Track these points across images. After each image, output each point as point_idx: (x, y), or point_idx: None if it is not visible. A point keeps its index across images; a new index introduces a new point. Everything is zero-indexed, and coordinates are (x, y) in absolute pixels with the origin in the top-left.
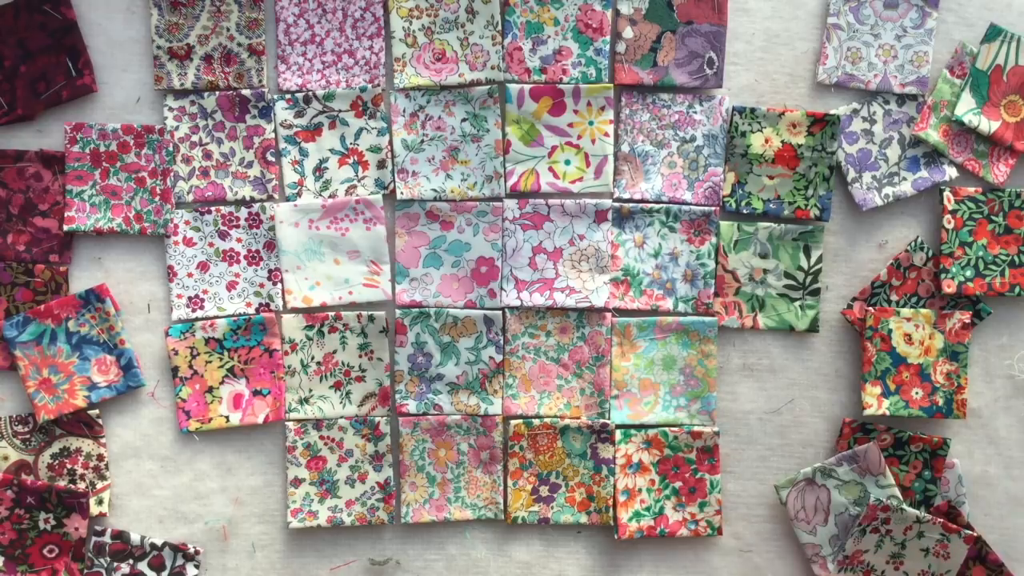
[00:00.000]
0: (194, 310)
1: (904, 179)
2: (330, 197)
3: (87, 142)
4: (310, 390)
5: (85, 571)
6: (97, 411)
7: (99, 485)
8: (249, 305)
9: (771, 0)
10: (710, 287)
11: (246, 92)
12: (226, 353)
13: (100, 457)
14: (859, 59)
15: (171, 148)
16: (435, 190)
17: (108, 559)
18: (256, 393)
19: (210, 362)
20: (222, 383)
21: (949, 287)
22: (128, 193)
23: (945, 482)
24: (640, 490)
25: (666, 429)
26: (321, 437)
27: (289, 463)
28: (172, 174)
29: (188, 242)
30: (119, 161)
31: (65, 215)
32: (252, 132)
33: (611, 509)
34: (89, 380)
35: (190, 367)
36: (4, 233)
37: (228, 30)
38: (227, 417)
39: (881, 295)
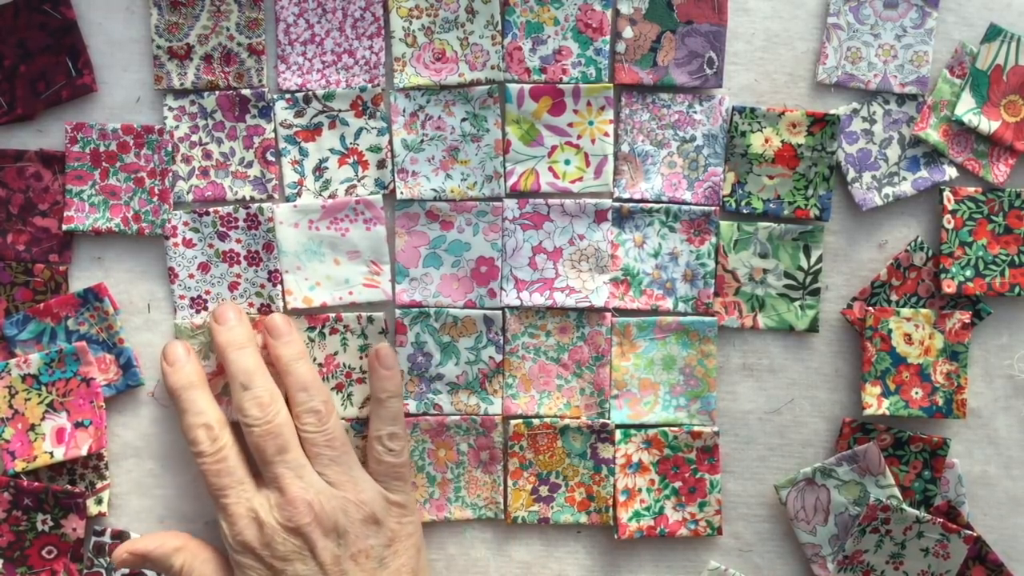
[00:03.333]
0: (197, 311)
1: (904, 179)
2: (330, 197)
3: (87, 142)
4: None
5: (84, 571)
6: None
7: (99, 484)
8: (252, 305)
9: (771, 0)
10: (710, 287)
11: (246, 92)
12: (43, 388)
13: (100, 456)
14: (859, 59)
15: (170, 148)
16: (435, 190)
17: (108, 559)
18: (78, 425)
19: (29, 399)
20: (43, 419)
21: (949, 287)
22: (127, 193)
23: (945, 482)
24: (640, 490)
25: (666, 429)
26: None
27: None
28: (171, 174)
29: (188, 243)
30: (119, 161)
31: (64, 215)
32: (252, 132)
33: (611, 509)
34: None
35: (10, 407)
36: (4, 233)
37: (228, 30)
38: (51, 453)
39: (881, 295)
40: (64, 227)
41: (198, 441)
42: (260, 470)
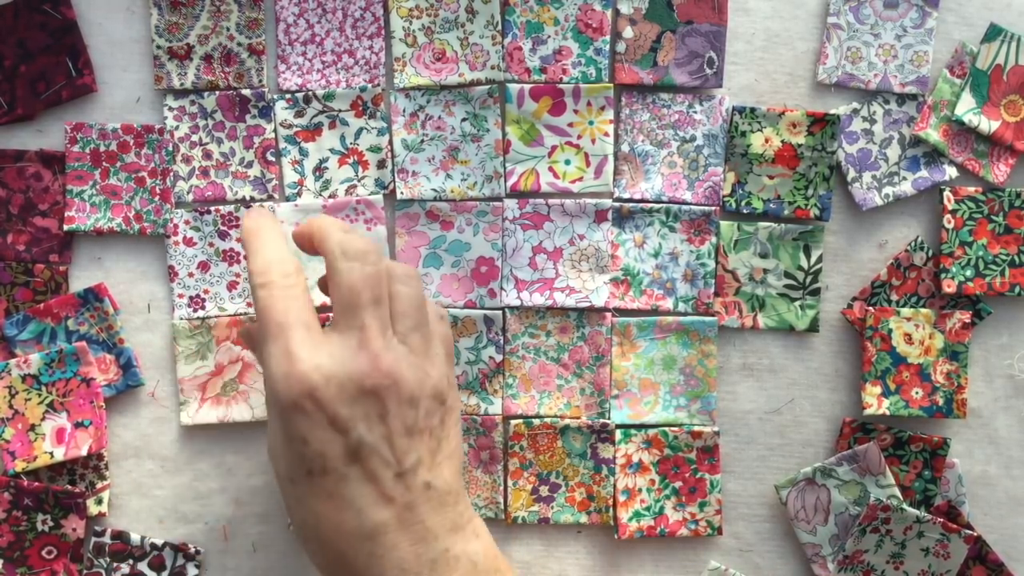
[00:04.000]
0: (196, 310)
1: (904, 179)
2: (330, 197)
3: (87, 142)
4: None
5: (84, 572)
6: None
7: (99, 485)
8: (250, 305)
9: (771, 0)
10: (710, 287)
11: (246, 92)
12: (43, 388)
13: (100, 457)
14: (859, 59)
15: (170, 148)
16: (435, 190)
17: (108, 559)
18: (78, 425)
19: (29, 399)
20: (43, 419)
21: (949, 287)
22: (128, 193)
23: (945, 482)
24: (640, 490)
25: (666, 429)
26: None
27: None
28: (172, 174)
29: (188, 242)
30: (119, 161)
31: (65, 215)
32: (252, 132)
33: (611, 509)
34: None
35: (10, 407)
36: (4, 233)
37: (228, 30)
38: (51, 453)
39: (881, 295)
40: (66, 227)
41: (269, 271)
42: (340, 317)
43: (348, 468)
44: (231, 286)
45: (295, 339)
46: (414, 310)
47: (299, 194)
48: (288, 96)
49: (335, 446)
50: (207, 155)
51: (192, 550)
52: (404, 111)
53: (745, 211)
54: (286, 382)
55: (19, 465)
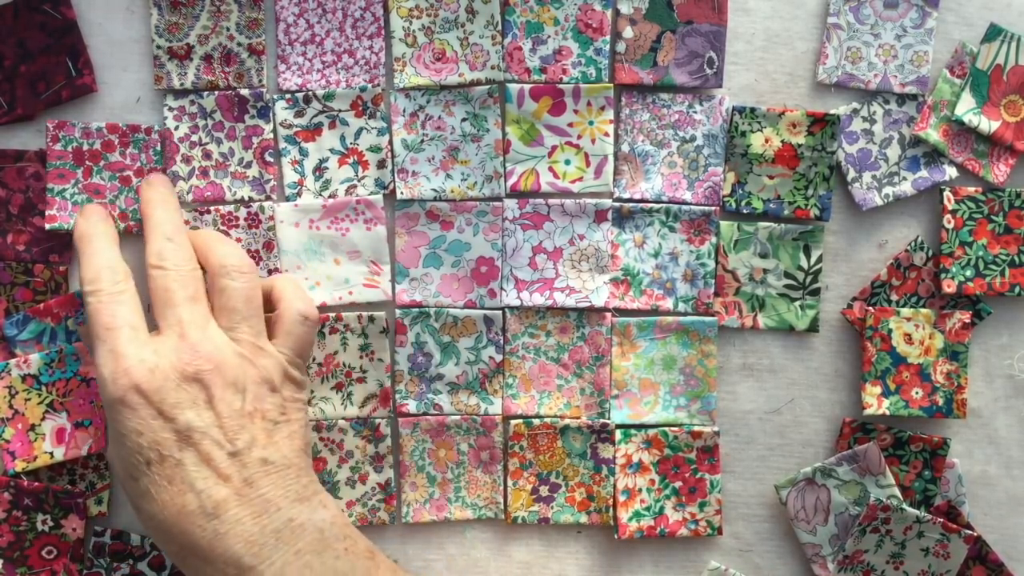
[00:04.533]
0: None
1: (904, 179)
2: (330, 197)
3: (69, 140)
4: (312, 392)
5: (84, 572)
6: None
7: (99, 484)
8: None
9: (771, 0)
10: (710, 287)
11: (245, 92)
12: (43, 388)
13: (100, 456)
14: (859, 59)
15: (159, 147)
16: (435, 190)
17: (108, 559)
18: (78, 425)
19: (29, 399)
20: (43, 419)
21: (949, 287)
22: (112, 192)
23: (945, 482)
24: (640, 490)
25: (666, 429)
26: (321, 439)
27: None
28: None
29: None
30: (103, 160)
31: (46, 213)
32: (251, 132)
33: (611, 509)
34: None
35: (10, 407)
36: (4, 233)
37: (228, 30)
38: (51, 453)
39: (881, 295)
40: (47, 226)
41: (99, 279)
42: (159, 318)
43: (182, 453)
44: None
45: (121, 339)
46: (243, 304)
47: (299, 194)
48: (288, 96)
49: (166, 433)
50: (207, 155)
51: None
52: (404, 111)
53: (745, 211)
54: (113, 379)
55: (19, 465)
